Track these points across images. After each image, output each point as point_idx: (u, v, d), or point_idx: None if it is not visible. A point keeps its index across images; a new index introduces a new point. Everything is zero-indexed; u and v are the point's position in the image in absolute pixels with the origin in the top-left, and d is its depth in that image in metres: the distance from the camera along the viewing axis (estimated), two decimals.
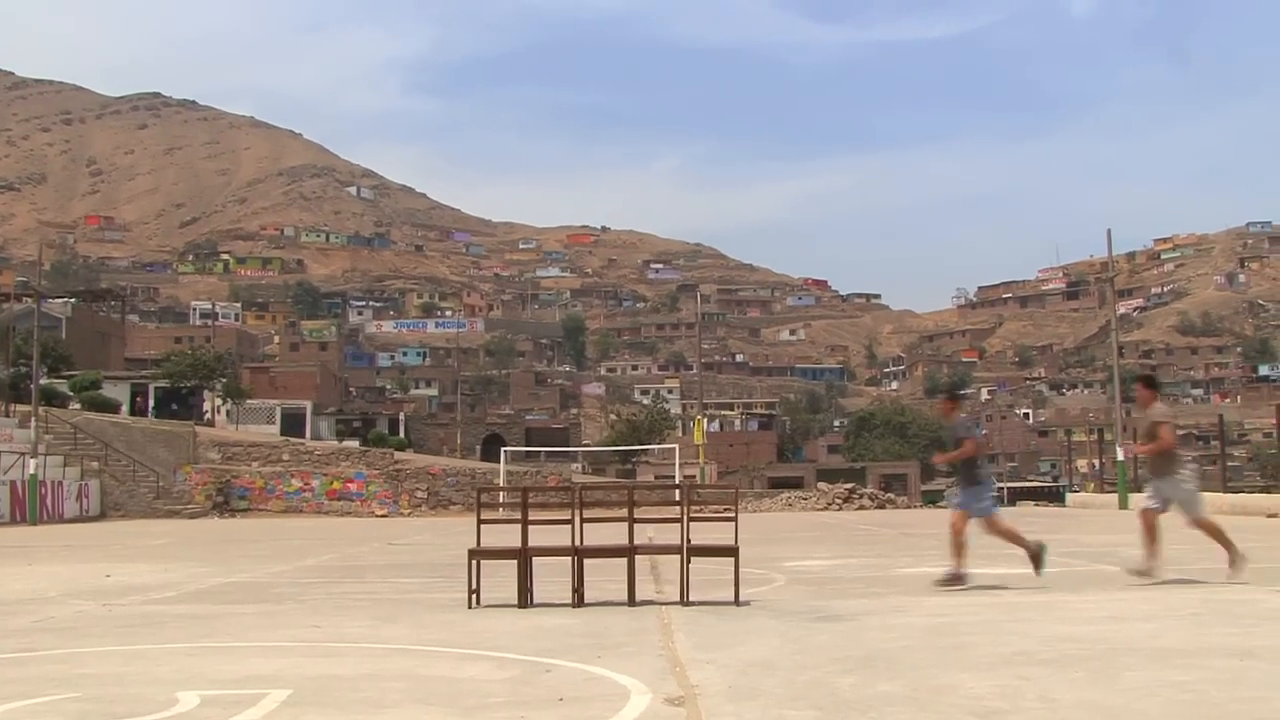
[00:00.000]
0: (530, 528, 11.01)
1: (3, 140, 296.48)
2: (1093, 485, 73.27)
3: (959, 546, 12.02)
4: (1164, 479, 12.38)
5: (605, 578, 11.64)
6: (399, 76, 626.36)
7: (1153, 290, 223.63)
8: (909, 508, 57.80)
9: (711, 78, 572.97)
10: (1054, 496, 69.77)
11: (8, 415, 49.16)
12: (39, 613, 11.22)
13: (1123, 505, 42.89)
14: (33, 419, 45.27)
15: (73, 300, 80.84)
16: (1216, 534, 12.28)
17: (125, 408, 63.48)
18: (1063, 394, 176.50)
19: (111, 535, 31.32)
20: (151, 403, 67.47)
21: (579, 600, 10.89)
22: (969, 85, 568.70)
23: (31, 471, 42.01)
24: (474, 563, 10.95)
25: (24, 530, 36.12)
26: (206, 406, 69.38)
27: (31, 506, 41.57)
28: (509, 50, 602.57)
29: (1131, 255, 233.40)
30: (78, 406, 56.40)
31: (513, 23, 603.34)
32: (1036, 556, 12.35)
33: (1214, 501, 37.94)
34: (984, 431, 15.56)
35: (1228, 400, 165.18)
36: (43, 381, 50.84)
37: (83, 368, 65.10)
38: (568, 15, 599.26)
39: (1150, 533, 12.30)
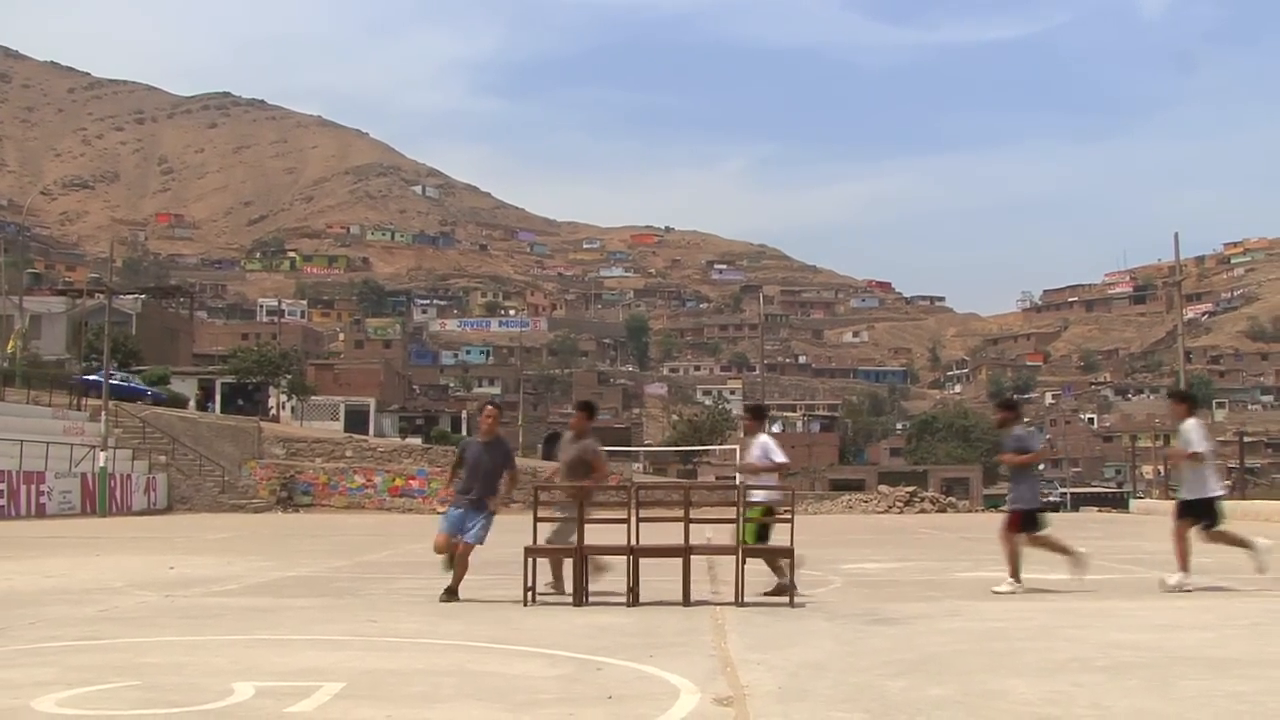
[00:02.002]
0: (587, 526, 11.07)
1: (78, 139, 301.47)
2: (1157, 492, 72.35)
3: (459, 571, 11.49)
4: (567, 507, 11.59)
5: (661, 577, 11.66)
6: (465, 77, 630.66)
7: (1222, 295, 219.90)
8: (970, 512, 57.43)
9: (777, 79, 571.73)
10: (1118, 503, 68.96)
11: (79, 409, 49.98)
12: (105, 602, 11.43)
13: None
14: (103, 413, 46.03)
15: (143, 297, 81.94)
16: (556, 566, 11.81)
17: (192, 403, 64.32)
18: (1128, 399, 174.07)
19: (177, 528, 31.78)
20: (218, 398, 68.32)
21: (634, 599, 10.92)
22: (1036, 87, 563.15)
23: (102, 464, 42.74)
24: (530, 560, 11.01)
25: (93, 522, 36.75)
26: (272, 402, 70.16)
27: (101, 498, 42.29)
28: (575, 51, 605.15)
29: (1200, 259, 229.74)
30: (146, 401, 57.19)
31: (580, 24, 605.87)
32: (450, 591, 11.41)
33: None
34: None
35: None
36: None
37: (152, 363, 66.07)
38: (634, 16, 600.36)
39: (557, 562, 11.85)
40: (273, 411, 68.75)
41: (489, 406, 12.43)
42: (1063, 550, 12.54)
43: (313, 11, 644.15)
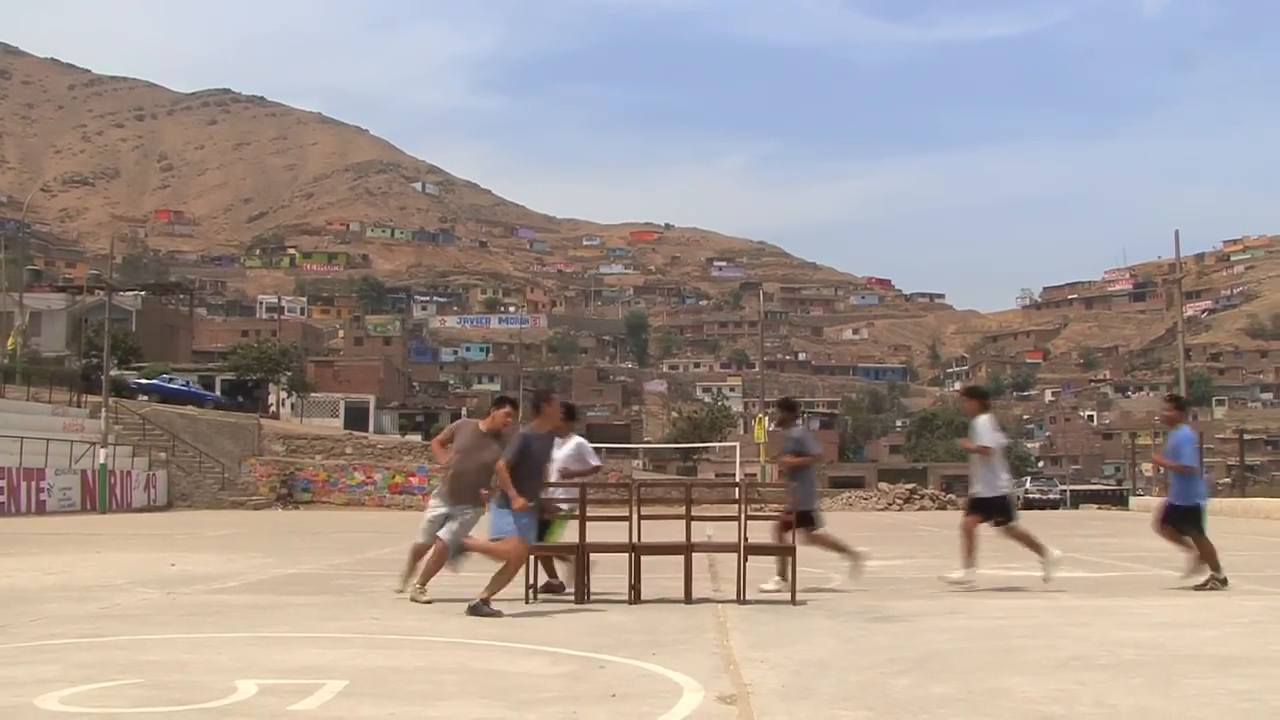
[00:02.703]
0: (588, 524, 11.05)
1: (78, 136, 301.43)
2: (1157, 489, 72.37)
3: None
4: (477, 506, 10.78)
5: (662, 575, 11.65)
6: (465, 73, 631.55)
7: (1222, 292, 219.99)
8: None
9: (777, 76, 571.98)
10: (1118, 500, 68.95)
11: (79, 406, 49.95)
12: (106, 599, 11.41)
13: None
14: (103, 409, 46.00)
15: (143, 293, 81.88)
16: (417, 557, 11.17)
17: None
18: (1128, 396, 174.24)
19: (177, 525, 31.76)
20: (218, 395, 68.26)
21: (636, 597, 10.91)
22: (1036, 84, 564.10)
23: (101, 461, 42.70)
24: (533, 559, 10.99)
25: (94, 519, 36.71)
26: (271, 399, 70.12)
27: (101, 495, 42.26)
28: (575, 48, 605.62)
29: (1200, 256, 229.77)
30: (146, 398, 57.22)
31: (579, 21, 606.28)
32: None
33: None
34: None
35: None
36: (113, 373, 51.62)
37: (151, 360, 65.98)
38: (634, 14, 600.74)
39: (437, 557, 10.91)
40: (272, 408, 68.71)
41: (554, 394, 11.60)
42: (840, 549, 12.47)
43: (313, 8, 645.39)
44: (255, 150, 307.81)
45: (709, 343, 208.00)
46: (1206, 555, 12.26)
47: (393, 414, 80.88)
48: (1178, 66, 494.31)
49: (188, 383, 61.58)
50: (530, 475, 10.16)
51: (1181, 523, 12.37)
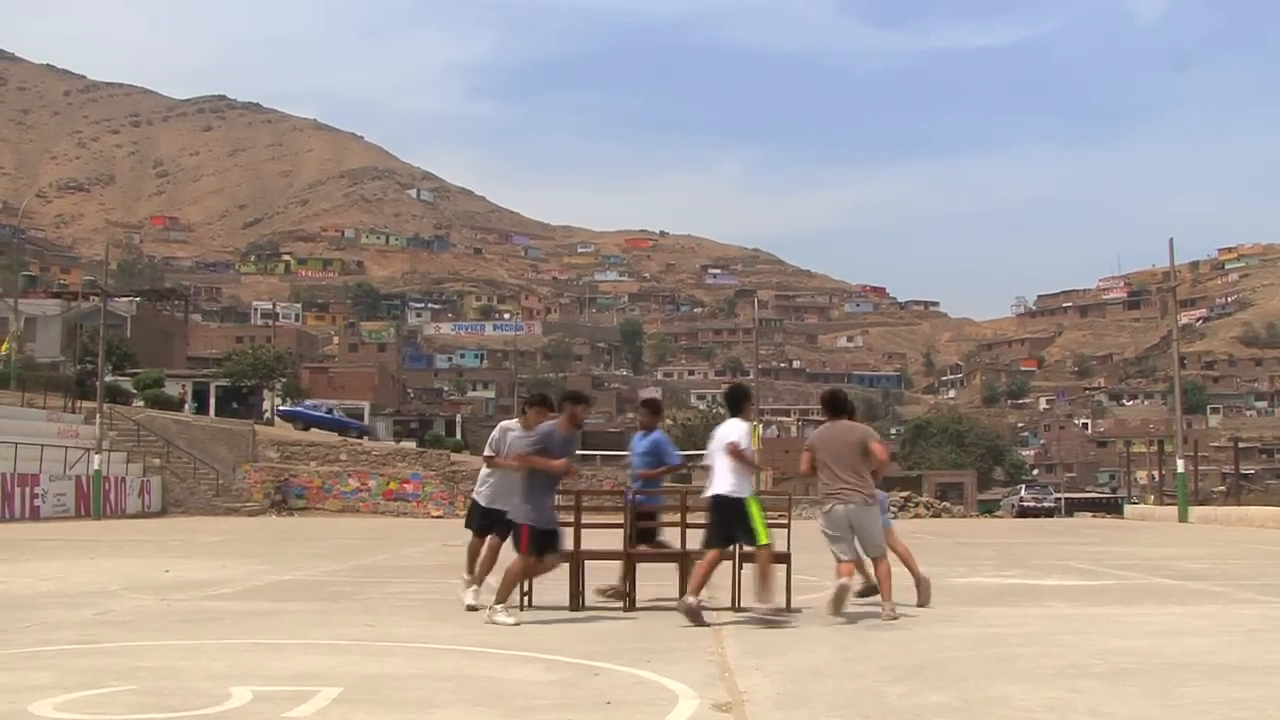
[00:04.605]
0: (583, 531, 11.04)
1: (74, 142, 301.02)
2: (1152, 497, 72.45)
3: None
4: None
5: (657, 582, 11.64)
6: (460, 80, 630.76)
7: (1216, 300, 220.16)
8: (965, 517, 57.48)
9: (771, 83, 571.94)
10: (1113, 508, 68.92)
11: (74, 412, 49.90)
12: (100, 605, 11.40)
13: (1182, 518, 42.41)
14: (97, 415, 45.96)
15: (137, 299, 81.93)
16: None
17: (187, 406, 64.19)
18: (1123, 404, 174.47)
19: (171, 531, 31.72)
20: (212, 401, 68.17)
21: (630, 604, 10.91)
22: (1031, 92, 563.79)
23: (96, 467, 42.65)
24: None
25: (87, 524, 36.67)
26: (266, 406, 70.01)
27: (95, 501, 42.20)
28: (570, 55, 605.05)
29: (1195, 265, 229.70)
30: (141, 404, 57.15)
31: (574, 27, 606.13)
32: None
33: (1275, 517, 37.41)
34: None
35: None
36: (107, 379, 51.59)
37: (146, 366, 65.89)
38: (629, 20, 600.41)
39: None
40: (267, 415, 68.59)
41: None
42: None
43: (308, 15, 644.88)
44: (250, 157, 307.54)
45: (703, 350, 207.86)
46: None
47: (387, 420, 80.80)
48: (1173, 66, 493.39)
49: (331, 410, 61.37)
50: None
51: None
